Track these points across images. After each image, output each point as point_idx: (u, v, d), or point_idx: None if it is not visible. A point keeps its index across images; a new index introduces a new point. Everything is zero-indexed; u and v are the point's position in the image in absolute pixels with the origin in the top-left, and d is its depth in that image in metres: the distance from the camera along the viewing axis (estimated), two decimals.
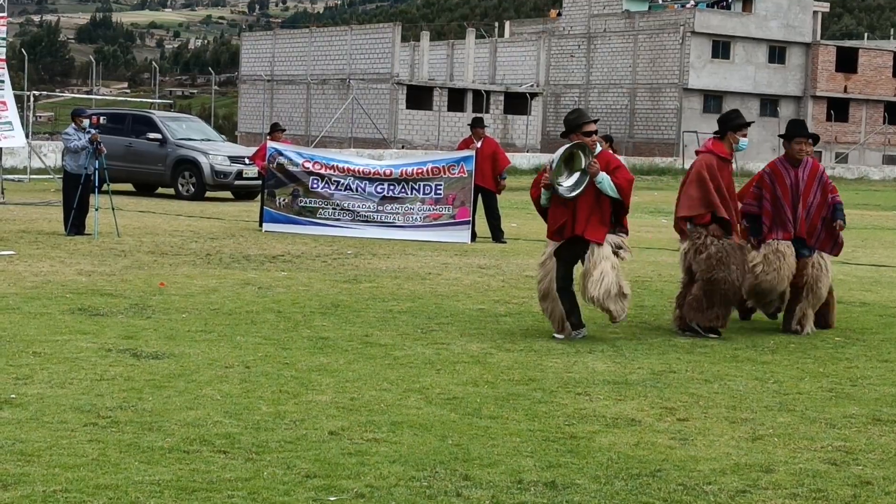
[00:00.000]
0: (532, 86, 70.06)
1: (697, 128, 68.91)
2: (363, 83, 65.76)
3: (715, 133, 11.84)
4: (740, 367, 10.11)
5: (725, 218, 11.45)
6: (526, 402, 8.37)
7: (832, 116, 78.83)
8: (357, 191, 21.42)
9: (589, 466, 6.76)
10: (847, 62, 79.41)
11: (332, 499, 5.98)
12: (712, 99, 75.30)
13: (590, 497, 6.17)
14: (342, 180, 21.46)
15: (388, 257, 17.95)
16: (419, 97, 65.37)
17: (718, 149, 11.71)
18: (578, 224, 10.97)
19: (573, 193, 10.92)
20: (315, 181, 21.55)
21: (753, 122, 12.46)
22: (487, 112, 65.40)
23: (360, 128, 64.63)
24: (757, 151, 75.09)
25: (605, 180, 10.93)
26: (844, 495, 6.35)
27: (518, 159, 55.05)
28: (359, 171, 21.53)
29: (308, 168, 21.62)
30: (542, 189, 11.10)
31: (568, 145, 10.96)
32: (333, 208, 21.45)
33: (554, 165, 10.91)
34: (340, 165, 21.72)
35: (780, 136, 12.58)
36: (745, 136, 11.72)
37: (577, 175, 10.97)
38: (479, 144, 21.63)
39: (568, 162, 10.96)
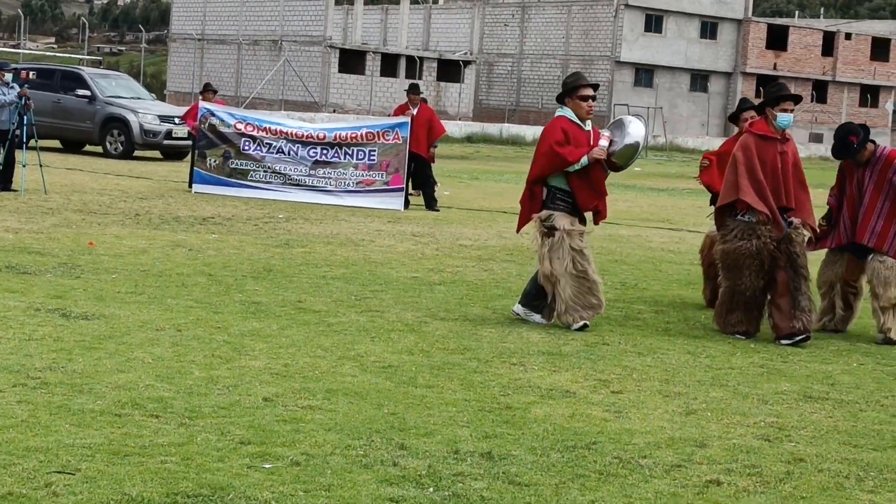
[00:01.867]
0: (465, 54, 69.92)
1: (629, 101, 69.21)
2: (295, 45, 65.24)
3: (759, 111, 10.87)
4: (673, 340, 10.16)
5: (742, 200, 10.31)
6: (461, 372, 8.34)
7: (761, 93, 79.43)
8: (290, 154, 21.23)
9: (525, 437, 6.74)
10: (777, 39, 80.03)
11: (266, 466, 5.92)
12: (644, 72, 75.59)
13: (526, 468, 6.15)
14: (275, 143, 21.26)
15: (320, 222, 17.83)
16: (352, 61, 64.98)
17: (759, 127, 10.51)
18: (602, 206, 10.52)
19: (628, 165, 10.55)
20: (247, 143, 21.33)
21: (801, 97, 10.97)
22: (420, 78, 65.16)
23: (291, 90, 64.16)
24: (686, 126, 75.60)
25: None
26: (778, 472, 6.39)
27: (451, 127, 54.89)
28: (292, 133, 21.33)
29: (240, 129, 21.40)
30: (588, 158, 10.20)
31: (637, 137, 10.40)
32: (265, 171, 21.25)
33: (625, 144, 10.33)
34: (273, 128, 21.51)
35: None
36: (785, 109, 10.39)
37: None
38: (414, 111, 21.53)
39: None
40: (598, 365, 8.91)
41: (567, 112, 10.45)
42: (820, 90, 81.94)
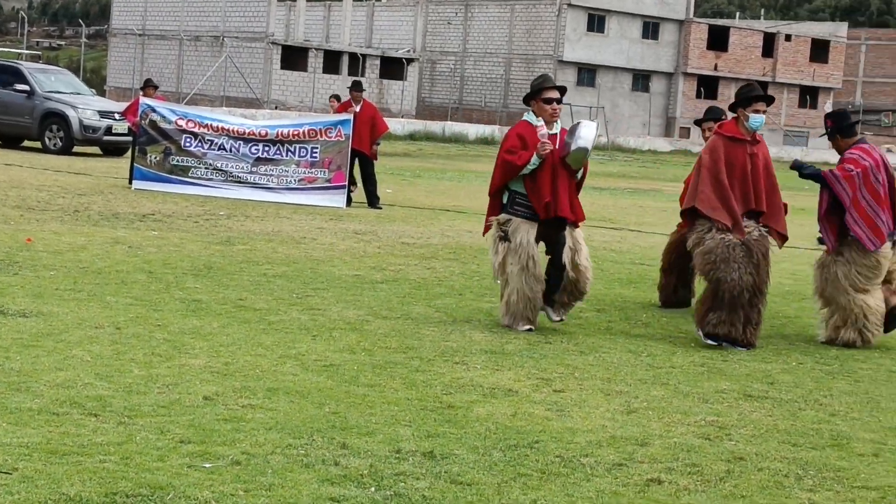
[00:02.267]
0: (408, 51, 69.87)
1: (571, 100, 69.42)
2: (237, 41, 64.91)
3: (731, 111, 10.55)
4: (614, 339, 10.19)
5: (694, 207, 10.12)
6: (403, 371, 8.32)
7: (702, 94, 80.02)
8: (231, 151, 21.09)
9: (467, 436, 6.73)
10: (718, 40, 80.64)
11: (207, 465, 5.87)
12: (586, 72, 75.92)
13: (468, 467, 6.14)
14: (216, 139, 21.11)
15: (261, 220, 17.73)
16: (294, 58, 64.76)
17: (728, 129, 10.30)
18: (563, 205, 10.17)
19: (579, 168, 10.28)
20: (188, 139, 21.17)
21: (773, 98, 10.77)
22: (363, 76, 65.07)
23: (232, 86, 63.82)
24: (628, 126, 75.99)
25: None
26: (718, 470, 6.42)
27: (393, 125, 54.86)
28: (233, 130, 21.20)
29: (181, 126, 21.24)
30: (537, 155, 10.03)
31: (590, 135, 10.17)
32: (206, 168, 21.10)
33: (576, 147, 10.08)
34: (214, 124, 21.36)
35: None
36: (758, 111, 10.20)
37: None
38: (357, 108, 21.47)
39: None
40: (541, 364, 8.92)
41: (530, 116, 10.32)
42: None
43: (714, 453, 6.77)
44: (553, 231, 10.30)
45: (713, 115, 12.16)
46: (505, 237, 10.14)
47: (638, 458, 6.57)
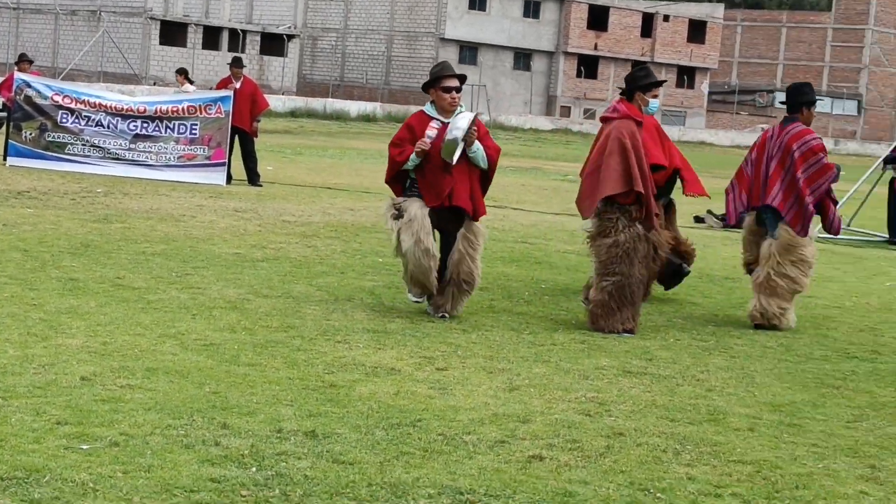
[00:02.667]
0: (289, 27, 69.33)
1: None
2: (115, 16, 63.80)
3: (622, 93, 10.42)
4: (497, 317, 10.24)
5: (641, 193, 9.95)
6: (285, 350, 8.26)
7: (582, 73, 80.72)
8: (109, 127, 20.74)
9: (349, 416, 6.71)
10: (598, 20, 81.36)
11: (84, 447, 5.77)
12: (468, 50, 76.08)
13: (350, 447, 6.12)
14: (93, 116, 20.74)
15: (140, 197, 17.47)
16: (173, 33, 63.86)
17: (633, 112, 10.19)
18: (459, 195, 9.89)
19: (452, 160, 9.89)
20: (64, 115, 20.77)
21: (665, 80, 11.15)
22: (243, 52, 64.41)
23: (110, 62, 62.75)
24: (509, 104, 76.35)
25: (479, 150, 10.00)
26: (598, 446, 6.49)
27: (274, 101, 54.45)
28: (111, 106, 20.84)
29: (57, 102, 20.82)
30: (415, 154, 9.82)
31: (467, 118, 9.89)
32: (83, 144, 20.73)
33: (446, 138, 9.81)
34: (92, 100, 20.99)
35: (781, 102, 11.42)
36: (655, 96, 10.37)
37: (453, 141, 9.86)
38: (237, 85, 21.25)
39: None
40: (424, 342, 8.93)
41: (426, 106, 10.08)
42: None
43: (594, 429, 6.84)
44: (450, 226, 10.00)
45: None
46: (399, 214, 9.89)
47: (520, 434, 6.61)
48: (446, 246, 10.13)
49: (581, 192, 10.23)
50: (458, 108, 10.05)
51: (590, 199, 10.04)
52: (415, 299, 10.15)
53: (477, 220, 10.09)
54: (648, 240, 10.05)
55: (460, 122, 9.85)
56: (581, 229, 10.34)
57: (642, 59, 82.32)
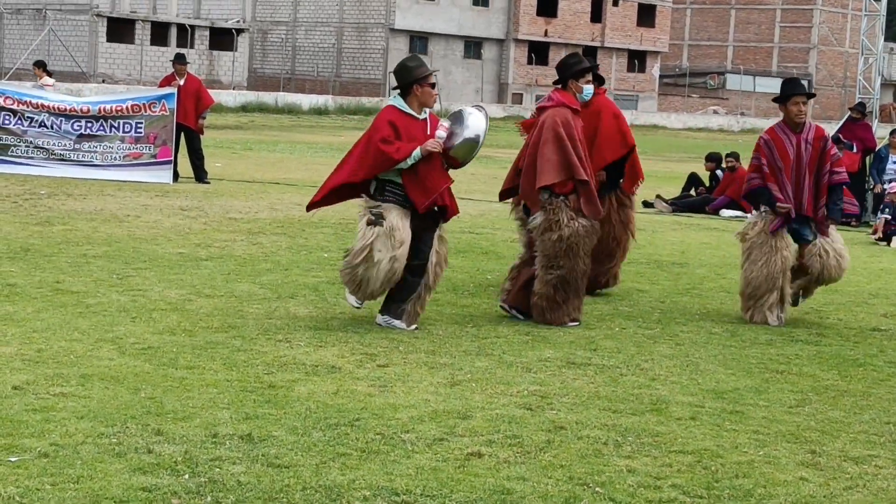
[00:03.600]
0: (238, 21, 68.95)
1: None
2: (60, 14, 63.20)
3: (555, 82, 10.25)
4: (441, 310, 10.17)
5: (585, 180, 9.82)
6: (225, 351, 8.16)
7: (533, 60, 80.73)
8: (52, 128, 20.49)
9: (287, 417, 6.63)
10: (548, 6, 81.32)
11: (13, 459, 5.66)
12: (418, 40, 75.89)
13: (286, 449, 6.04)
14: (36, 116, 20.48)
15: (84, 198, 17.26)
16: (120, 30, 63.32)
17: (568, 100, 10.03)
18: (447, 195, 9.50)
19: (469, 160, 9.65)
20: (7, 117, 20.48)
21: (597, 65, 10.79)
22: (192, 47, 63.97)
23: (57, 60, 62.10)
24: (461, 93, 76.27)
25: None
26: (539, 441, 6.44)
27: (224, 97, 54.17)
28: (54, 107, 20.59)
29: None
30: (420, 153, 9.24)
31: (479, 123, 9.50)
32: (27, 146, 20.46)
33: (464, 139, 9.42)
34: (34, 101, 20.72)
35: (773, 99, 10.84)
36: (588, 82, 10.16)
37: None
38: (181, 82, 21.04)
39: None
40: (366, 338, 8.85)
41: (398, 102, 9.44)
42: (589, 57, 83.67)
43: (535, 423, 6.79)
44: (424, 225, 9.47)
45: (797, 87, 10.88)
46: (377, 221, 9.25)
47: (459, 431, 6.55)
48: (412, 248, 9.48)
49: (523, 188, 10.08)
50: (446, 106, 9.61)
51: (534, 193, 9.91)
52: (357, 304, 9.52)
53: (446, 221, 9.68)
54: (595, 231, 9.91)
55: (478, 123, 9.50)
56: (529, 225, 10.11)
57: (592, 44, 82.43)
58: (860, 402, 7.73)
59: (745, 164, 21.41)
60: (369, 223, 9.27)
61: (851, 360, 9.05)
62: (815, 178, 10.42)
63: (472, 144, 9.47)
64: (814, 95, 11.03)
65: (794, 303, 10.75)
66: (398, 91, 9.49)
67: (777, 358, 9.00)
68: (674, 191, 22.52)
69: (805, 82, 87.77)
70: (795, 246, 10.53)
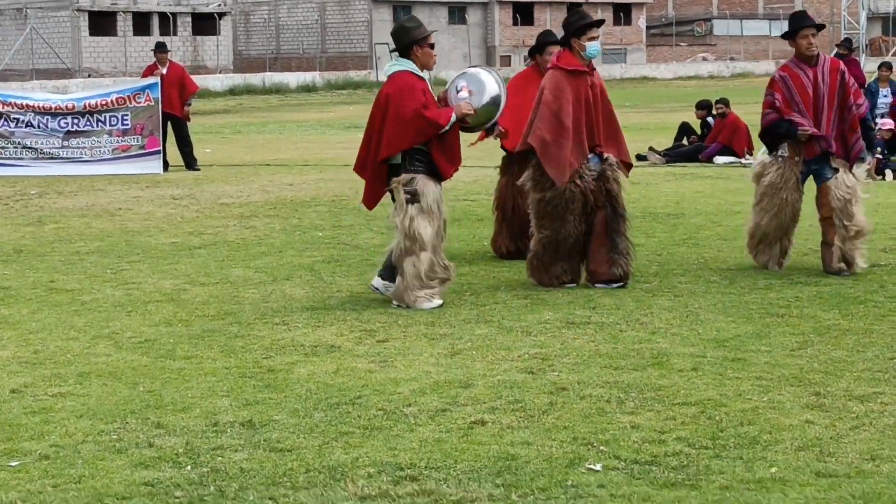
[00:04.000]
0: (220, 5, 68.64)
1: (388, 39, 69.11)
2: (41, 12, 62.95)
3: (561, 43, 9.93)
4: None
5: (533, 146, 9.57)
6: (222, 338, 8.12)
7: (518, 21, 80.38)
8: (39, 127, 20.40)
9: (287, 400, 6.59)
10: None
11: (13, 463, 5.62)
12: (401, 9, 75.49)
13: (288, 433, 6.00)
14: (22, 117, 20.38)
15: (75, 195, 17.19)
16: (102, 23, 63.08)
17: (566, 61, 9.67)
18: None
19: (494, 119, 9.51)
20: None
21: (603, 20, 10.33)
22: (175, 35, 63.76)
23: (41, 59, 61.93)
24: (449, 59, 75.94)
25: None
26: (541, 404, 6.40)
27: (211, 81, 54.00)
28: (39, 106, 20.50)
29: None
30: (456, 117, 9.10)
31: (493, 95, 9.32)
32: (15, 147, 20.36)
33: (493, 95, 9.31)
34: (19, 102, 20.63)
35: (782, 35, 10.51)
36: (593, 38, 9.63)
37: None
38: (164, 70, 20.93)
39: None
40: (364, 315, 8.80)
41: (409, 65, 9.14)
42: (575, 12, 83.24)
43: (537, 387, 6.75)
44: None
45: (553, 37, 11.13)
46: (414, 198, 9.01)
47: (461, 401, 6.51)
48: None
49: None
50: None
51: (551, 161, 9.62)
52: (433, 304, 8.99)
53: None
54: (585, 194, 9.61)
55: (491, 82, 9.33)
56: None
57: (577, 0, 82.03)
58: (863, 340, 7.69)
59: (735, 109, 21.44)
60: (408, 201, 9.01)
61: (852, 298, 9.01)
62: (838, 112, 10.09)
63: (493, 109, 9.33)
64: (823, 27, 10.76)
65: (838, 272, 10.02)
66: (397, 53, 9.29)
67: (777, 301, 8.95)
68: (666, 142, 22.40)
69: None
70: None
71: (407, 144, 9.02)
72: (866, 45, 27.25)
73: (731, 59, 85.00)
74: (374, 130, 9.20)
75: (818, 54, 10.20)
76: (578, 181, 9.62)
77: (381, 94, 9.20)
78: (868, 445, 5.62)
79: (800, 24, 10.20)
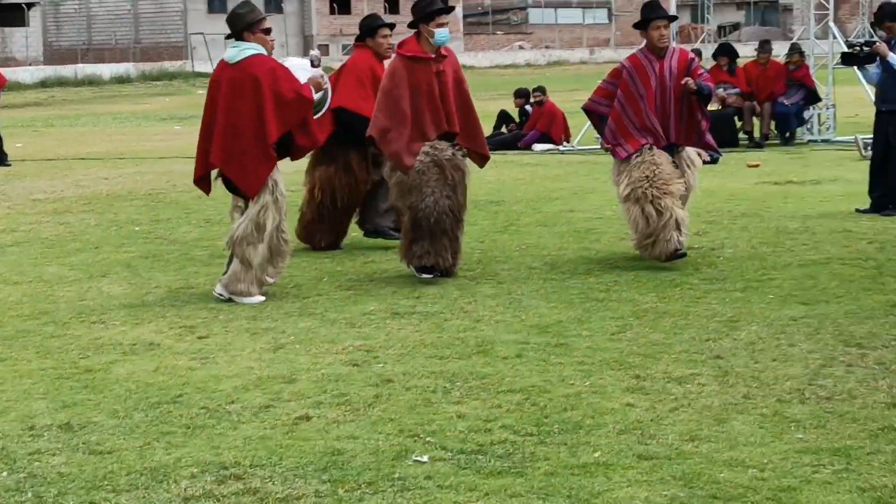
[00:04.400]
0: None
1: (203, 29, 68.08)
2: None
3: (410, 25, 9.66)
4: None
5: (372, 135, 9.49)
6: (37, 339, 7.88)
7: (335, 9, 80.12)
8: None
9: (106, 401, 6.42)
10: None
11: None
12: (217, 1, 74.58)
13: (108, 434, 5.85)
14: None
15: None
16: None
17: (409, 48, 9.46)
18: None
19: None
20: None
21: (453, 7, 10.41)
22: None
23: None
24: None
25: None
26: (367, 396, 6.37)
27: (21, 74, 52.57)
28: None
29: None
30: None
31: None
32: None
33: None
34: None
35: (634, 25, 10.27)
36: (441, 24, 9.40)
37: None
38: None
39: None
40: (184, 311, 8.64)
41: (259, 48, 8.99)
42: (392, 4, 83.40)
43: (362, 379, 6.72)
44: None
45: (381, 21, 11.15)
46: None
47: (285, 396, 6.44)
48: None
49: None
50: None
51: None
52: (257, 300, 8.90)
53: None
54: (439, 164, 9.34)
55: (310, 71, 9.37)
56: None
57: None
58: (679, 322, 7.85)
59: (552, 96, 21.72)
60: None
61: (668, 282, 9.20)
62: (684, 104, 9.89)
63: (322, 96, 9.37)
64: (675, 18, 10.62)
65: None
66: (234, 40, 9.09)
67: (597, 286, 9.09)
68: (485, 130, 22.54)
69: (605, 10, 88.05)
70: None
71: (292, 124, 8.99)
72: (676, 33, 27.80)
73: (547, 47, 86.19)
74: (238, 116, 8.89)
75: (668, 46, 10.03)
76: (430, 150, 9.39)
77: (238, 80, 8.89)
78: (687, 427, 5.74)
79: (652, 15, 10.00)
